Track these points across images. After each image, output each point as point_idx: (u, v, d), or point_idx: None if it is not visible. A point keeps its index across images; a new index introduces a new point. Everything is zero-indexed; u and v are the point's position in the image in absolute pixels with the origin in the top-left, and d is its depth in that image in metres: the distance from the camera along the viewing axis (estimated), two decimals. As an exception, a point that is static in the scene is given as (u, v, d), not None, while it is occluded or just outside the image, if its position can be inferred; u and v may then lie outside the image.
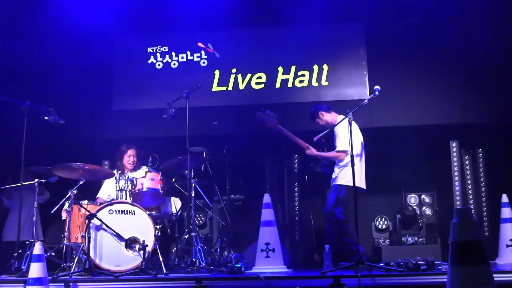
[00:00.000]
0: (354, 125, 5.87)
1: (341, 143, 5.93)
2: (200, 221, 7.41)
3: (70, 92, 7.66)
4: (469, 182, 7.56)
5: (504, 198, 6.22)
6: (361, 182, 5.93)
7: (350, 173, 5.63)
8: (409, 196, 7.55)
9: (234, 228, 7.10)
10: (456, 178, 7.48)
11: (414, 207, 7.44)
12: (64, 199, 5.78)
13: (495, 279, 4.34)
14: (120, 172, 6.26)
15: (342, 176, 5.94)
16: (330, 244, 5.43)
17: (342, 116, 5.99)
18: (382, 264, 5.00)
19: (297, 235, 7.69)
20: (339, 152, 5.97)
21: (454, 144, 7.55)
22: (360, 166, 5.99)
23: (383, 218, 7.39)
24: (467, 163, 7.61)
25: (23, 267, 5.43)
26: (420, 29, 7.54)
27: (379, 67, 7.58)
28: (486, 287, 2.88)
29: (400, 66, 7.58)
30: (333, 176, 6.08)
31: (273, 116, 6.12)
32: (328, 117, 6.23)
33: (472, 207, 7.49)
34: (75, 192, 5.70)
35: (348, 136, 5.65)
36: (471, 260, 2.89)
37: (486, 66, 7.36)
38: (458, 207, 3.15)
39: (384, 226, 7.37)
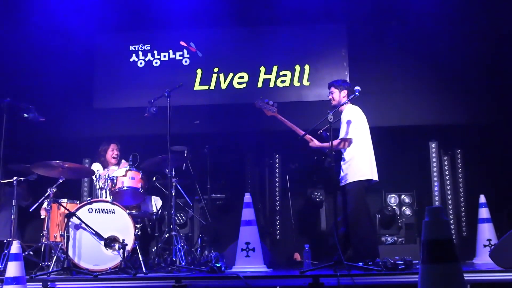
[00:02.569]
0: (362, 114, 5.87)
1: (345, 130, 5.75)
2: (181, 220, 7.40)
3: (51, 90, 7.58)
4: (448, 182, 7.67)
5: (482, 199, 6.31)
6: (373, 174, 5.78)
7: (358, 166, 5.70)
8: (389, 196, 7.63)
9: (214, 227, 7.11)
10: (435, 179, 7.58)
11: (394, 207, 7.53)
12: (43, 197, 5.72)
13: (472, 278, 4.46)
14: (102, 169, 6.33)
15: (353, 172, 5.72)
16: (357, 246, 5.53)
17: (351, 106, 5.89)
18: (361, 264, 5.03)
19: (277, 235, 7.72)
20: (342, 140, 5.75)
21: (433, 145, 7.66)
22: (371, 156, 5.81)
23: (363, 218, 7.42)
24: (446, 163, 7.71)
25: (0, 266, 5.37)
26: (400, 31, 7.60)
27: (359, 68, 7.63)
28: (456, 285, 2.93)
29: (380, 68, 7.64)
30: (342, 174, 5.81)
31: (272, 105, 6.05)
32: (336, 96, 5.99)
33: (451, 207, 7.60)
34: (54, 190, 5.65)
35: (354, 126, 5.69)
36: (441, 258, 2.93)
37: (465, 68, 7.46)
38: (430, 206, 3.18)
39: (364, 226, 7.41)
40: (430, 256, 2.96)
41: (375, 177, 5.79)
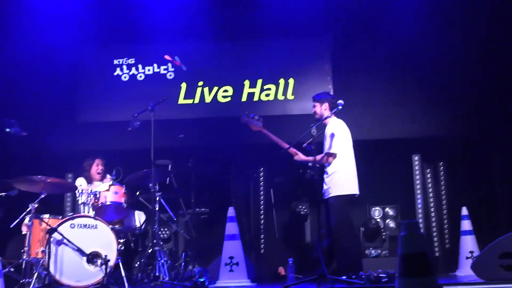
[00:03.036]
0: (346, 128, 5.86)
1: (329, 145, 5.74)
2: (165, 235, 7.33)
3: (34, 104, 7.54)
4: (431, 195, 7.72)
5: (464, 211, 6.36)
6: (355, 188, 5.76)
7: (341, 181, 5.67)
8: (373, 209, 7.63)
9: (199, 241, 7.06)
10: (418, 191, 7.62)
11: (378, 220, 7.54)
12: (25, 213, 5.65)
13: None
14: (86, 183, 6.33)
15: (335, 185, 5.69)
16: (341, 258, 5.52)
17: (335, 119, 5.89)
18: (345, 277, 5.04)
19: (262, 249, 7.69)
20: (326, 154, 5.75)
21: (416, 158, 7.71)
22: (354, 170, 5.81)
23: (347, 231, 7.42)
24: (428, 176, 7.77)
25: (-20, 283, 5.28)
26: (383, 46, 7.68)
27: (343, 82, 7.67)
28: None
29: (364, 81, 7.69)
30: (325, 187, 5.78)
31: (258, 120, 6.02)
32: (318, 109, 5.98)
33: (434, 219, 7.64)
34: (36, 206, 5.58)
35: (338, 140, 5.68)
36: (417, 271, 2.97)
37: (447, 81, 7.55)
38: (406, 220, 3.22)
39: (348, 239, 7.41)
40: (406, 269, 2.99)
41: (356, 191, 5.78)
